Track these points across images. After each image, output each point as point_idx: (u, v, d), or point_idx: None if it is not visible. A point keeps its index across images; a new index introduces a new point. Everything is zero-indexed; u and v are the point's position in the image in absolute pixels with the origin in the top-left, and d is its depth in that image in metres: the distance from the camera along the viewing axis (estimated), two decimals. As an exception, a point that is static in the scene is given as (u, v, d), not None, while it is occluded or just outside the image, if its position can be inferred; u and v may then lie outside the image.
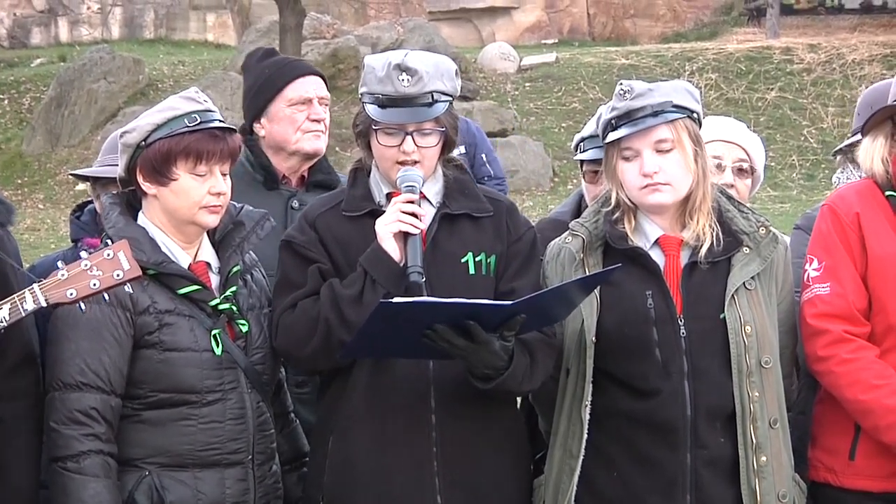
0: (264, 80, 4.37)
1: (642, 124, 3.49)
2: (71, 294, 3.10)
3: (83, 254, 3.25)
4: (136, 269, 3.14)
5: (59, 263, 3.19)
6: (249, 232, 3.61)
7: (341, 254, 3.52)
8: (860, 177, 4.04)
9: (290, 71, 4.39)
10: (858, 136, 3.90)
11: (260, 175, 4.32)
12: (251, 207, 3.68)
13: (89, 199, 4.41)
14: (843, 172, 4.43)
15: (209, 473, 3.45)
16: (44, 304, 3.10)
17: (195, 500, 3.43)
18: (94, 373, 3.37)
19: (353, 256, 3.48)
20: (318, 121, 4.33)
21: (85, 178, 4.45)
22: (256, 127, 4.37)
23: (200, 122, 3.47)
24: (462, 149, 9.04)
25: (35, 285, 3.11)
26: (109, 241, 3.43)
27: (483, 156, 9.18)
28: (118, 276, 3.12)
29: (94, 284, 3.10)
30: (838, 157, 4.53)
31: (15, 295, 3.12)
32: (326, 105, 4.39)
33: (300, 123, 4.31)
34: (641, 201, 3.54)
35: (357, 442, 3.48)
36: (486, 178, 9.01)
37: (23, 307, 3.09)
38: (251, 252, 3.67)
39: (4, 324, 3.09)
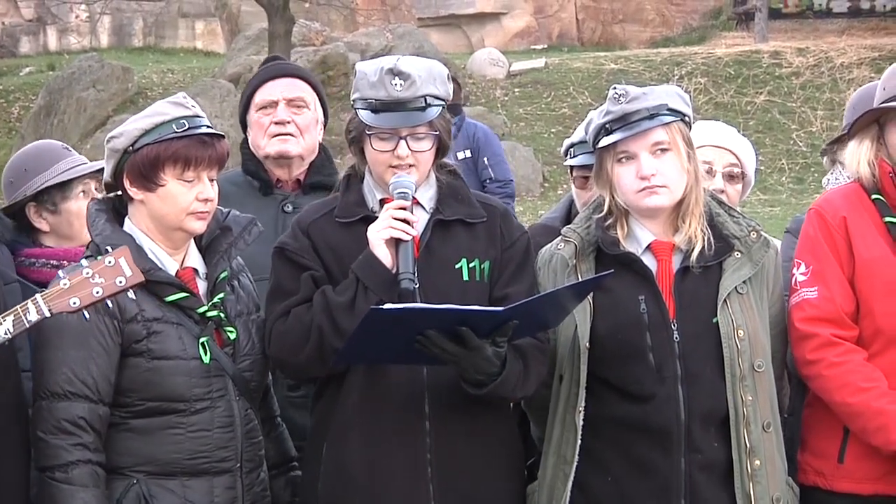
0: (246, 87, 4.38)
1: (638, 127, 3.48)
2: (74, 303, 3.07)
3: (84, 261, 3.24)
4: (138, 274, 3.12)
5: (61, 273, 3.16)
6: (237, 237, 3.59)
7: (334, 260, 3.50)
8: (849, 178, 4.04)
9: (260, 76, 4.39)
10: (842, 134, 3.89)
11: (256, 182, 4.31)
12: (238, 212, 3.67)
13: None
14: (832, 174, 4.43)
15: (198, 482, 3.43)
16: (47, 314, 3.08)
17: (183, 509, 3.42)
18: (82, 382, 3.35)
19: (346, 263, 3.47)
20: (281, 123, 4.27)
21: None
22: (248, 134, 4.37)
23: (189, 128, 3.46)
24: (467, 153, 9.20)
25: (38, 295, 3.09)
26: (99, 248, 3.42)
27: (485, 159, 9.32)
28: (121, 282, 3.09)
29: (97, 292, 3.08)
30: (825, 159, 4.53)
31: (18, 306, 3.09)
32: (300, 106, 4.30)
33: (266, 128, 4.28)
34: (637, 205, 3.52)
35: (351, 448, 3.46)
36: (487, 181, 9.20)
37: (26, 318, 3.07)
38: (238, 257, 3.65)
39: (9, 336, 3.07)
